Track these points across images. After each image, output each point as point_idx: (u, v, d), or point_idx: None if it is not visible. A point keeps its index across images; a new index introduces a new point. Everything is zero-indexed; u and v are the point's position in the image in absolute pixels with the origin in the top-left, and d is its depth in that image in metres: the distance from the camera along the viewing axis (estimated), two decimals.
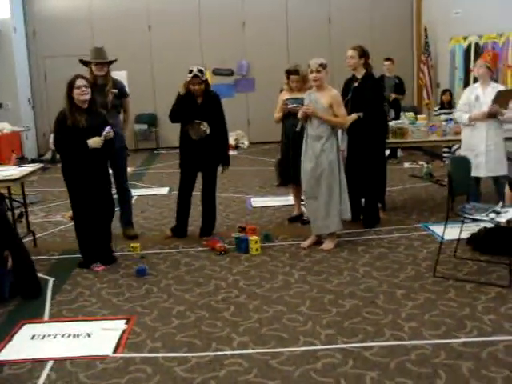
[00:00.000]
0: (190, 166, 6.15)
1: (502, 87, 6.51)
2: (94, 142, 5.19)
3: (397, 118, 9.52)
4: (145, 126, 13.61)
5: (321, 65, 5.51)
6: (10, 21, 12.53)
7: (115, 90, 6.18)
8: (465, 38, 11.06)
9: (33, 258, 5.11)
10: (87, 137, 5.19)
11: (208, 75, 6.00)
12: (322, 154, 5.56)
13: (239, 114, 13.27)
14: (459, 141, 7.72)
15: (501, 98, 6.08)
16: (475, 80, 10.48)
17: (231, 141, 12.20)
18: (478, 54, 10.52)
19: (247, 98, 13.74)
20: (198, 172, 6.23)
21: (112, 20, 13.17)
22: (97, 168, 5.32)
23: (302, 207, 6.65)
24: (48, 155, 12.88)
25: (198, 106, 5.98)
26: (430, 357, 3.55)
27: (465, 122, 6.37)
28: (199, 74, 5.84)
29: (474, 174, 6.10)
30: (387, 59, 10.71)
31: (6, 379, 3.53)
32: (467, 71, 11.06)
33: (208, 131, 6.02)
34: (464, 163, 5.28)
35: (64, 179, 5.39)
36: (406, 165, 10.10)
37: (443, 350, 3.63)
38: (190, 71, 5.88)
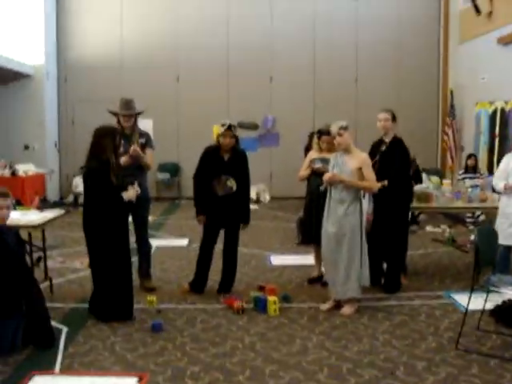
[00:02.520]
0: (214, 221, 6.10)
1: None
2: (129, 195, 5.19)
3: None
4: (167, 175, 13.69)
5: (341, 127, 5.47)
6: (44, 67, 12.84)
7: (142, 140, 6.23)
8: (491, 103, 11.07)
9: (48, 305, 5.05)
10: (119, 191, 5.20)
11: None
12: (344, 217, 5.49)
13: (262, 168, 13.28)
14: (484, 208, 7.67)
15: None
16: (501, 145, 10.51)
17: (252, 195, 12.21)
18: (503, 120, 10.52)
19: (270, 151, 13.78)
20: (222, 228, 6.19)
21: (141, 69, 13.42)
22: (120, 220, 5.28)
23: (323, 268, 6.54)
24: (70, 198, 12.97)
25: (225, 162, 6.00)
26: None
27: (500, 190, 6.21)
28: (232, 128, 5.91)
29: (506, 242, 5.99)
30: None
31: None
32: (492, 136, 11.03)
33: (235, 188, 6.00)
34: (491, 234, 5.19)
35: (85, 229, 5.32)
36: (428, 228, 9.97)
37: None
38: (223, 124, 5.92)
